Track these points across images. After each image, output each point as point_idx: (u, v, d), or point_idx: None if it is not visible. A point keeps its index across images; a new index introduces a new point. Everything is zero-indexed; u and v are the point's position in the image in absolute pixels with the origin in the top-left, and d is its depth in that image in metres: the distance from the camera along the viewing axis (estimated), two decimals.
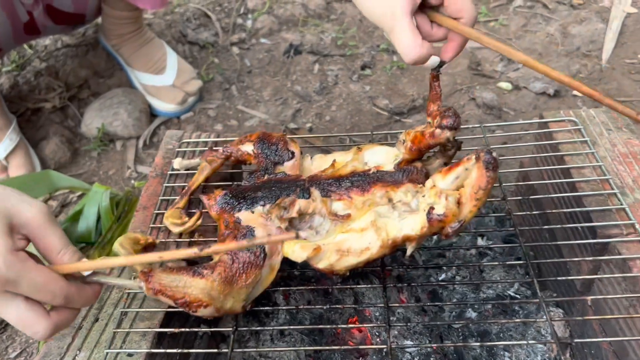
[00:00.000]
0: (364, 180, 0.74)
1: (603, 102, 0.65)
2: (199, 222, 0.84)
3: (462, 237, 1.04)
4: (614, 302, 0.75)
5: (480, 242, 1.03)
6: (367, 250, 0.69)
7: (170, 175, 0.94)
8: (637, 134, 0.92)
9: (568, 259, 0.82)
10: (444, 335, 0.88)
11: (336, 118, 1.56)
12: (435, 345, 0.78)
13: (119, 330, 0.73)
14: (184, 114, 1.61)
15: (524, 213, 0.96)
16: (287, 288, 0.88)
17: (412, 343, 0.84)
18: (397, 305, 0.89)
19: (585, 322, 0.83)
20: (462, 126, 1.06)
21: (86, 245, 1.24)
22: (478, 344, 0.85)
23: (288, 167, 0.81)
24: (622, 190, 0.82)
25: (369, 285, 0.88)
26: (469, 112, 1.53)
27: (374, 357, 0.84)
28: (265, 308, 0.86)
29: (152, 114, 1.61)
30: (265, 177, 0.81)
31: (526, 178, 1.02)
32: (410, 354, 0.83)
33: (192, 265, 0.71)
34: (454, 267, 0.97)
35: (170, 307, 0.76)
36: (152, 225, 0.86)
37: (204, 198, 0.80)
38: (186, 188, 0.87)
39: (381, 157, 0.78)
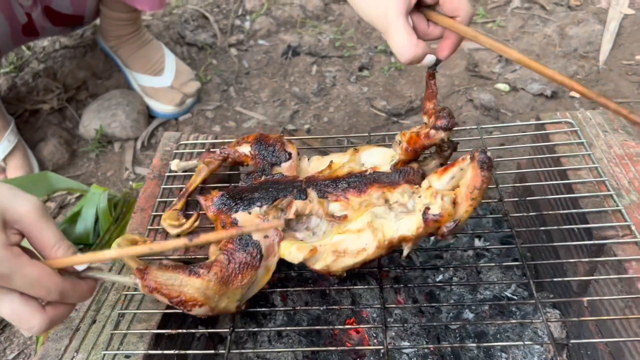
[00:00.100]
0: (361, 181, 0.74)
1: (594, 99, 0.64)
2: (197, 223, 0.84)
3: (459, 239, 1.04)
4: (610, 303, 0.75)
5: (477, 243, 1.04)
6: (364, 251, 0.69)
7: (168, 177, 0.94)
8: (633, 136, 0.92)
9: (564, 260, 0.83)
10: (441, 336, 0.89)
11: (334, 119, 1.56)
12: (432, 346, 0.78)
13: (116, 331, 0.73)
14: (182, 115, 1.61)
15: (521, 214, 0.97)
16: (285, 289, 0.88)
17: (409, 344, 0.84)
18: (394, 306, 0.89)
19: (581, 323, 0.83)
20: (459, 127, 1.07)
21: (84, 246, 1.24)
22: (475, 344, 0.85)
23: (285, 168, 0.81)
24: (618, 191, 0.82)
25: (366, 287, 0.88)
26: (467, 114, 1.53)
27: (371, 358, 0.85)
28: (263, 309, 0.86)
29: (150, 115, 1.62)
30: (263, 178, 0.81)
31: (523, 179, 1.02)
32: (407, 355, 0.83)
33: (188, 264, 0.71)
34: (451, 268, 0.97)
35: (167, 308, 0.76)
36: (149, 227, 0.86)
37: (201, 199, 0.80)
38: (184, 190, 0.88)
39: (378, 158, 0.78)
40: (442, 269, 0.97)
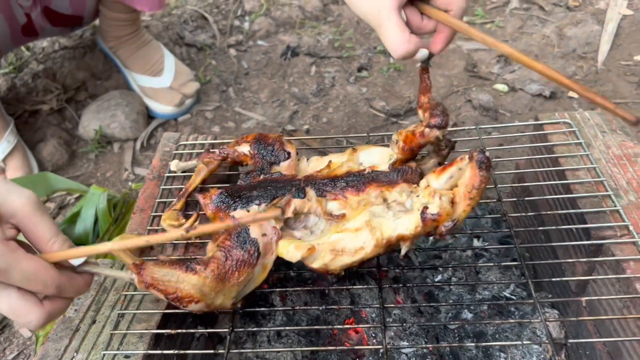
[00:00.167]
0: (359, 180, 0.75)
1: (584, 96, 0.64)
2: (196, 223, 0.84)
3: (458, 239, 1.04)
4: (608, 303, 0.76)
5: (476, 243, 1.04)
6: (362, 250, 0.69)
7: (168, 177, 0.94)
8: (631, 137, 0.92)
9: (563, 260, 0.83)
10: (440, 336, 0.89)
11: (333, 120, 1.56)
12: (431, 346, 0.79)
13: (116, 332, 0.74)
14: (182, 116, 1.62)
15: (520, 214, 0.97)
16: (284, 289, 0.89)
17: (408, 344, 0.84)
18: (393, 306, 0.89)
19: (579, 322, 0.83)
20: (458, 128, 1.07)
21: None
22: (474, 344, 0.85)
23: (284, 167, 0.82)
24: (616, 192, 0.82)
25: (365, 287, 0.89)
26: (465, 114, 1.53)
27: (370, 358, 0.85)
28: (262, 309, 0.87)
29: (149, 116, 1.62)
30: (261, 176, 0.81)
31: (522, 180, 1.03)
32: (406, 354, 0.84)
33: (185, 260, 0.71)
34: (450, 268, 0.97)
35: (167, 308, 0.76)
36: (149, 227, 0.86)
37: (199, 197, 0.80)
38: (183, 190, 0.88)
39: (376, 157, 0.79)
40: (440, 269, 0.97)
